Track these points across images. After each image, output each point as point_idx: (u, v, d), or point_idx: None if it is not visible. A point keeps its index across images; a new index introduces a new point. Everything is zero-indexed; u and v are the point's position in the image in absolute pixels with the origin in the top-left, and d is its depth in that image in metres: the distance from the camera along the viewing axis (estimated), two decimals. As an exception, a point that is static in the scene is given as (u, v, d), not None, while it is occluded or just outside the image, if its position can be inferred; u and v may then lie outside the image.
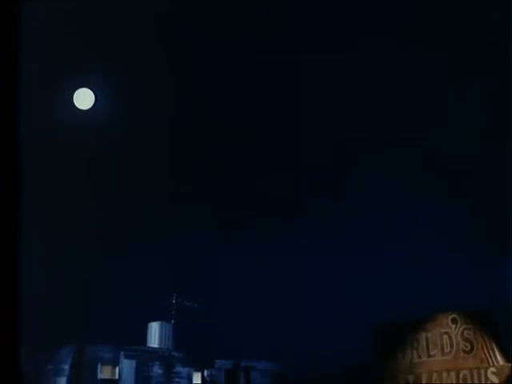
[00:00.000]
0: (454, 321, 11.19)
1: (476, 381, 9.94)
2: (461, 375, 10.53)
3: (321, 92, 29.78)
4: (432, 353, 11.37)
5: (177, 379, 24.53)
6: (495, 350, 9.81)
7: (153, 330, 26.58)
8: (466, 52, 25.41)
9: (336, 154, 34.02)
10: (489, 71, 23.53)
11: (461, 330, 10.83)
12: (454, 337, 10.84)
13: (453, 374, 10.74)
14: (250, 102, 31.47)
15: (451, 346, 10.92)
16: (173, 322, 27.39)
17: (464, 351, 10.32)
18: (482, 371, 10.12)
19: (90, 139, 24.00)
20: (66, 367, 21.06)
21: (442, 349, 11.17)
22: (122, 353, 22.55)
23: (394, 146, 31.49)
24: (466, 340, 10.44)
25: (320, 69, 27.79)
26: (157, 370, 23.69)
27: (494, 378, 9.75)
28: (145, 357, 23.51)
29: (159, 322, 26.69)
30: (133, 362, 22.81)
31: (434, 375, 11.21)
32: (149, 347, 25.13)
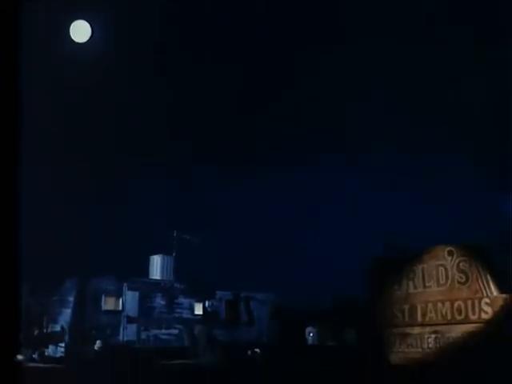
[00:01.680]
0: (450, 253, 11.38)
1: (470, 311, 10.22)
2: (455, 305, 10.79)
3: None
4: (428, 284, 11.61)
5: (179, 310, 25.05)
6: (490, 281, 10.04)
7: (154, 262, 26.93)
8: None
9: (341, 88, 33.57)
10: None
11: (457, 262, 11.02)
12: (449, 269, 11.04)
13: (447, 304, 11.01)
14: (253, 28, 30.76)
15: (447, 277, 11.14)
16: (174, 255, 27.78)
17: (459, 282, 10.55)
18: (476, 302, 10.37)
19: (87, 72, 23.64)
20: (71, 299, 21.47)
21: (438, 280, 11.40)
22: (125, 285, 22.95)
23: (398, 86, 31.11)
24: (462, 272, 10.65)
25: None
26: (159, 301, 24.16)
27: (488, 308, 10.01)
28: (147, 289, 23.96)
29: (161, 255, 27.04)
30: (136, 294, 23.25)
31: (429, 305, 11.48)
32: (151, 279, 25.57)
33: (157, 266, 26.95)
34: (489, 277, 10.41)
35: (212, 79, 33.58)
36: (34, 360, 20.56)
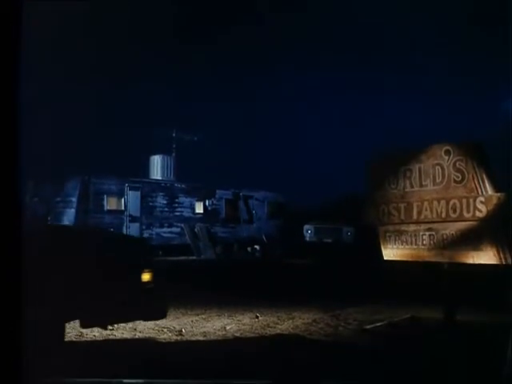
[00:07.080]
0: (447, 152, 11.40)
1: (465, 209, 10.41)
2: (450, 204, 10.96)
3: None
4: (424, 183, 11.71)
5: (180, 209, 25.50)
6: (485, 180, 10.14)
7: (155, 162, 27.14)
8: None
9: None
10: None
11: (453, 161, 11.06)
12: (446, 168, 11.10)
13: (443, 203, 11.15)
14: None
15: (443, 176, 11.22)
16: (174, 155, 27.94)
17: (455, 181, 10.65)
18: (471, 200, 10.51)
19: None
20: (74, 199, 21.78)
21: (434, 179, 11.49)
22: (126, 185, 23.22)
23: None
24: (458, 171, 10.72)
25: None
26: (160, 200, 24.55)
27: (482, 207, 10.20)
28: (149, 188, 24.27)
29: (161, 155, 27.18)
30: (137, 194, 23.58)
31: (425, 204, 11.64)
32: (152, 179, 25.85)
33: (157, 166, 27.18)
34: (484, 176, 10.53)
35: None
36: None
